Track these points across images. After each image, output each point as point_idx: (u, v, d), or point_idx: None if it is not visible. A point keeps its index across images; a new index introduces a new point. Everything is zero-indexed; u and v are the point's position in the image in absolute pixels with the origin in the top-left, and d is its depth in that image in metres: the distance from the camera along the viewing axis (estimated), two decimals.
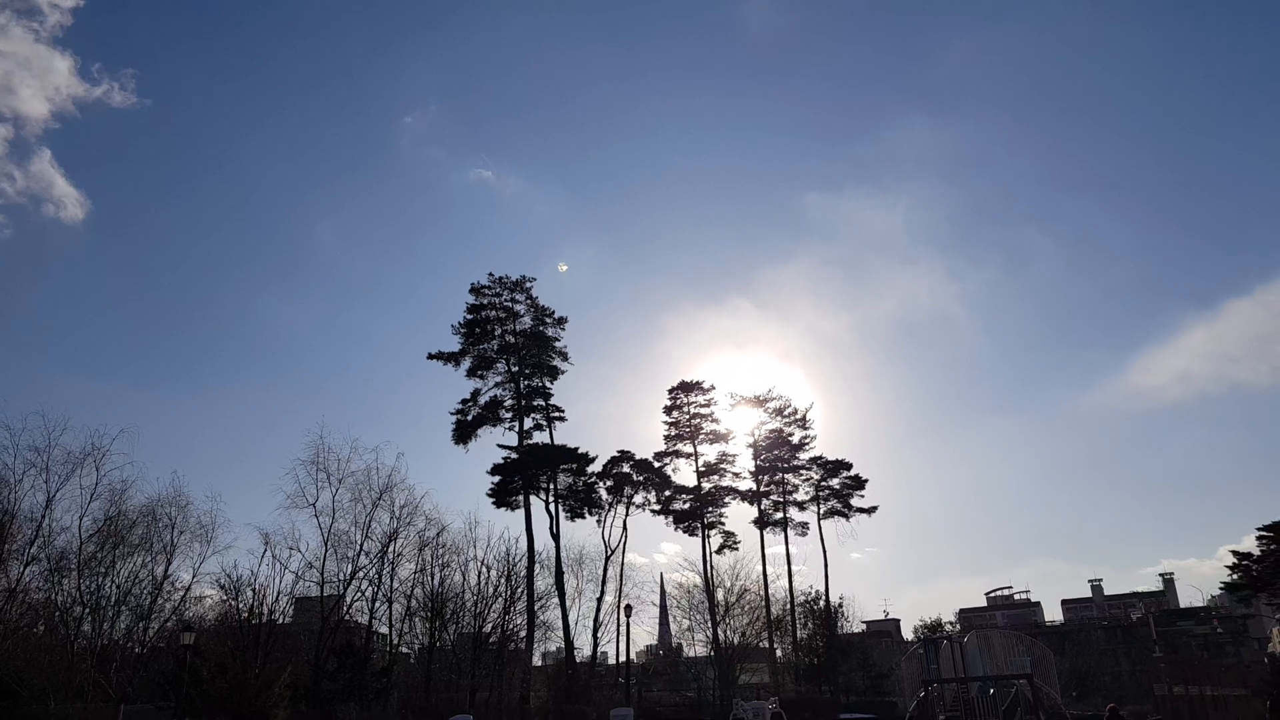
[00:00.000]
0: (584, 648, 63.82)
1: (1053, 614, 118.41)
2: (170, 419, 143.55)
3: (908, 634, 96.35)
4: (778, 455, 72.51)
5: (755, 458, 72.73)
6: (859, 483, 72.73)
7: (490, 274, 67.36)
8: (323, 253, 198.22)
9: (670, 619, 70.96)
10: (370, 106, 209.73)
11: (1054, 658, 67.53)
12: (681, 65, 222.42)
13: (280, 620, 53.02)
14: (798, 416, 73.72)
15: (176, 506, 51.16)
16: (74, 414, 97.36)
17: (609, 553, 64.32)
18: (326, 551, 52.72)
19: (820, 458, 72.92)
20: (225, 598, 51.96)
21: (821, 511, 72.82)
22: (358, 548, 53.64)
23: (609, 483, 65.93)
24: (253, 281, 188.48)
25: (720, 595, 66.00)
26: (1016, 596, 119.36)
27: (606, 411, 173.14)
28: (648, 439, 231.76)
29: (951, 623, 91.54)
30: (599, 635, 63.09)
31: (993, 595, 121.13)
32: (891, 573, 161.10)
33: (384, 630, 58.76)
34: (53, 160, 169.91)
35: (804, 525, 72.69)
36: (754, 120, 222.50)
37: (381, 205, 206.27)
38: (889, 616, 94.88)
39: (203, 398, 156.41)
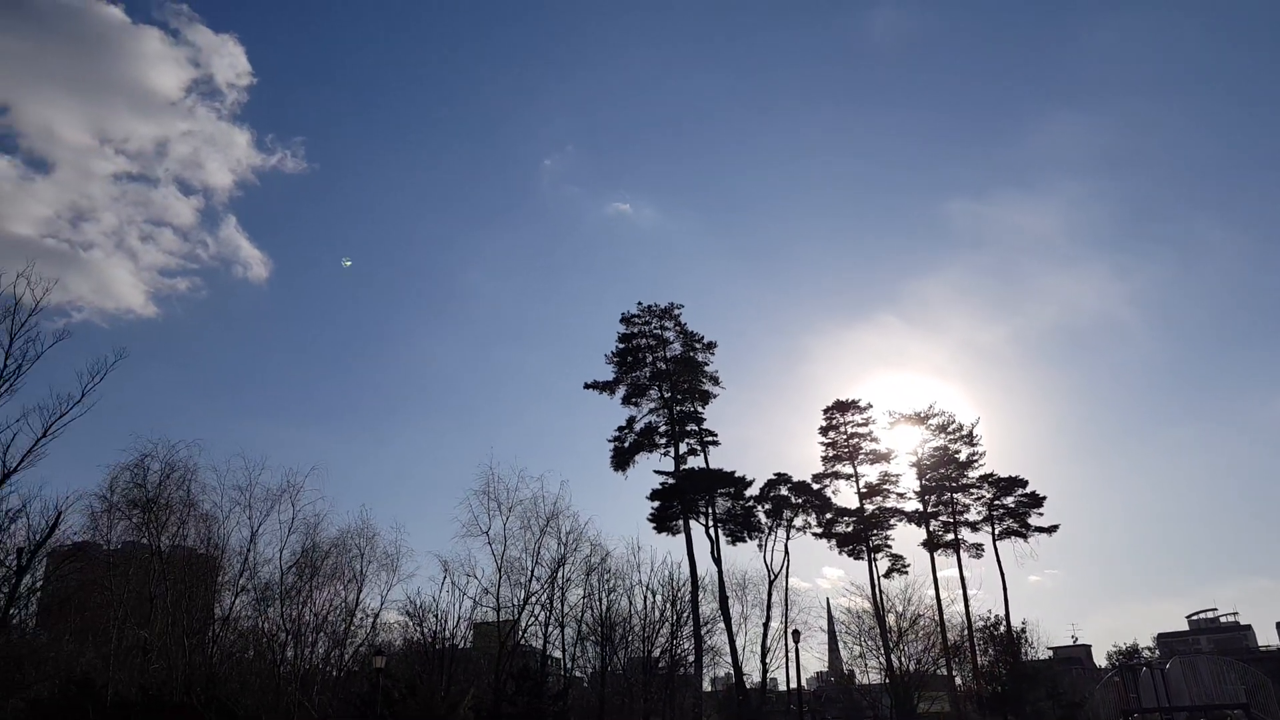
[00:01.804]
0: (753, 673, 63.62)
1: (1267, 638, 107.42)
2: (351, 456, 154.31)
3: (1100, 660, 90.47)
4: (944, 474, 70.00)
5: (920, 477, 70.46)
6: (1036, 500, 69.14)
7: (639, 303, 69.31)
8: (475, 295, 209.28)
9: (840, 645, 69.64)
10: (512, 154, 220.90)
11: (1273, 686, 61.84)
12: (807, 82, 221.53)
13: (461, 645, 55.94)
14: (964, 433, 71.05)
15: (364, 538, 55.02)
16: (269, 455, 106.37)
17: (772, 577, 64.08)
18: (500, 578, 55.33)
19: (991, 475, 69.78)
20: (411, 623, 55.40)
21: (996, 532, 69.58)
22: (529, 574, 55.99)
23: (767, 506, 65.74)
24: (414, 326, 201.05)
25: (892, 620, 64.26)
26: (1223, 619, 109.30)
27: (754, 436, 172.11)
28: (800, 462, 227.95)
29: (1150, 648, 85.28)
30: (767, 661, 62.67)
31: (1195, 618, 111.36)
32: (1076, 595, 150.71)
33: (557, 654, 60.80)
34: (238, 226, 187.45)
35: (978, 546, 69.70)
36: (886, 131, 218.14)
37: (527, 245, 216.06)
38: (1078, 642, 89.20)
39: (378, 435, 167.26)
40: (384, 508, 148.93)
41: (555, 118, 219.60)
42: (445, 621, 54.72)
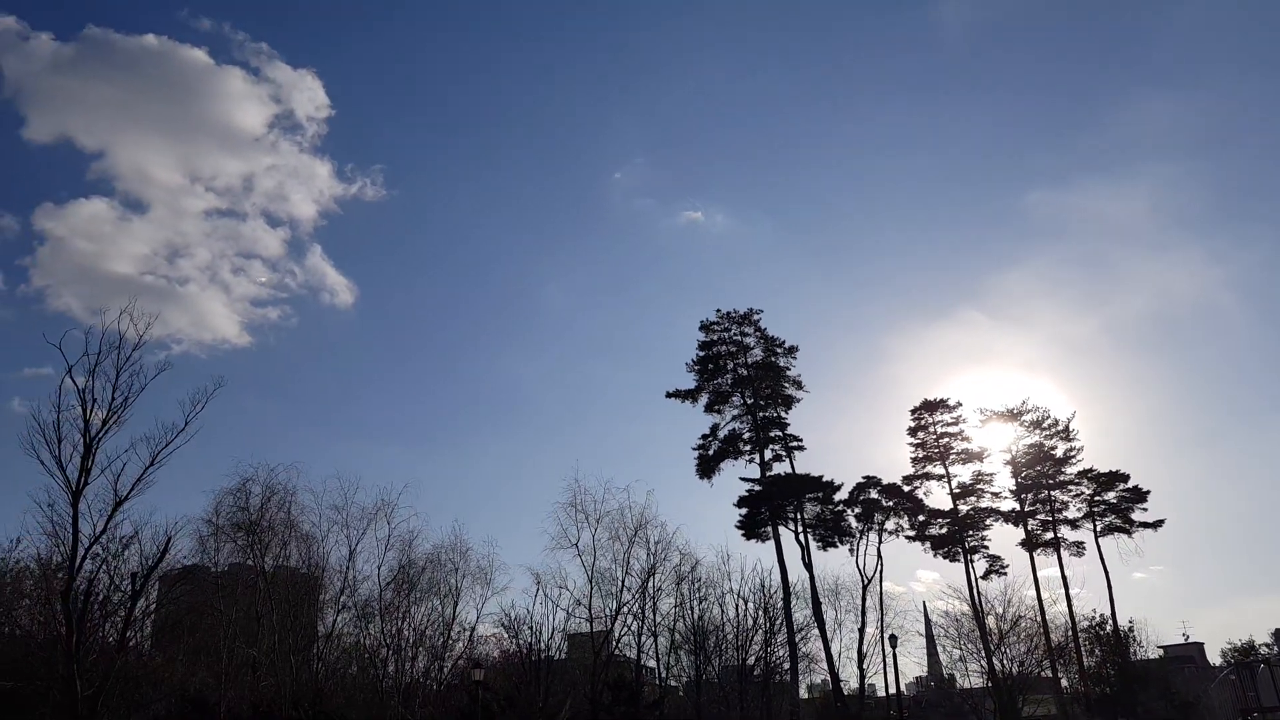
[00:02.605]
0: (850, 680, 62.47)
1: None
2: (440, 473, 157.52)
3: (1213, 659, 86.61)
4: (1041, 471, 67.90)
5: (1015, 475, 68.49)
6: (1139, 495, 66.54)
7: (718, 310, 68.80)
8: (552, 311, 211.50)
9: (939, 648, 68.01)
10: (583, 170, 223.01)
11: None
12: (877, 78, 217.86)
13: (556, 656, 56.25)
14: (1059, 428, 68.81)
15: (458, 552, 55.69)
16: (363, 474, 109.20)
17: (865, 582, 62.88)
18: (592, 589, 55.42)
19: (1091, 470, 67.42)
20: (506, 636, 55.97)
21: (1098, 529, 67.24)
22: (619, 584, 55.99)
23: (857, 510, 64.59)
24: (495, 344, 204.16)
25: (992, 622, 62.48)
26: None
27: (837, 439, 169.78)
28: (886, 464, 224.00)
29: (1267, 645, 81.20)
30: (864, 666, 61.50)
31: None
32: (1186, 592, 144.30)
33: (651, 664, 60.65)
34: (323, 254, 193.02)
35: (1079, 545, 67.51)
36: (961, 123, 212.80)
37: (601, 259, 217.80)
38: (1189, 640, 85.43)
39: (464, 451, 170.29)
40: (474, 523, 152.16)
41: (623, 131, 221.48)
42: (539, 633, 55.12)
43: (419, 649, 54.05)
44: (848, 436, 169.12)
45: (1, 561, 47.59)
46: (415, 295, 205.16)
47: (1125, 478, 67.29)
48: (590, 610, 55.31)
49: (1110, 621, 65.75)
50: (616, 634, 56.27)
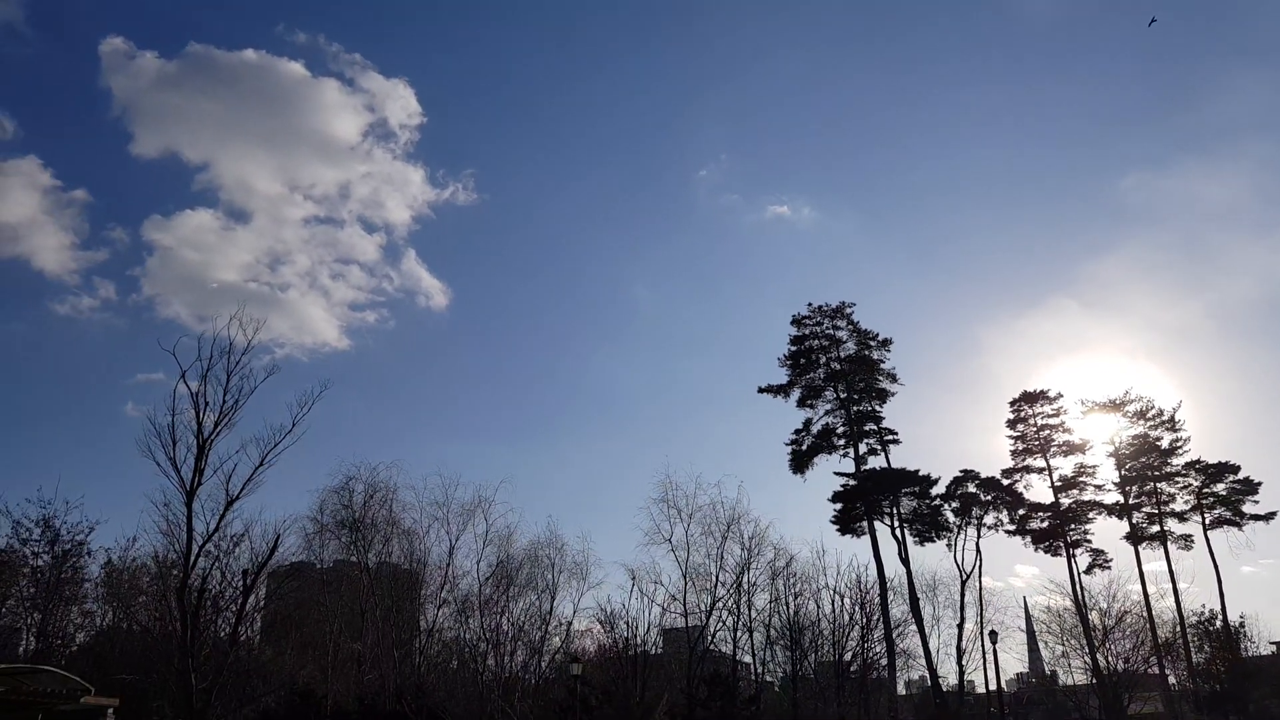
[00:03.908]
0: (948, 676, 61.38)
1: None
2: (536, 470, 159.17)
3: None
4: (1146, 463, 65.63)
5: (1119, 468, 66.31)
6: (1251, 486, 63.88)
7: (809, 303, 67.76)
8: (641, 308, 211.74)
9: (1040, 645, 66.43)
10: (668, 170, 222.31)
11: None
12: (961, 65, 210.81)
13: (652, 651, 56.20)
14: (1164, 418, 66.34)
15: (554, 548, 55.74)
16: (461, 472, 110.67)
17: (964, 577, 61.51)
18: (686, 584, 55.03)
19: (1198, 461, 64.87)
20: (602, 630, 56.08)
21: (1207, 521, 64.78)
22: (714, 579, 55.49)
23: (955, 504, 63.11)
24: (588, 344, 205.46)
25: (1095, 618, 60.74)
26: None
27: (930, 432, 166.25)
28: (981, 457, 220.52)
29: None
30: (964, 663, 60.29)
31: None
32: None
33: (747, 659, 60.35)
34: (417, 258, 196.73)
35: (1186, 538, 65.05)
36: (1049, 110, 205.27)
37: (687, 256, 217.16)
38: None
39: (558, 449, 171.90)
40: (568, 519, 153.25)
41: (707, 128, 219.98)
42: (635, 628, 54.94)
43: (517, 643, 54.37)
44: (942, 429, 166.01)
45: (120, 560, 49.31)
46: (507, 296, 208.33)
47: (1236, 468, 64.69)
48: (685, 605, 55.05)
49: (1220, 617, 63.61)
50: (711, 629, 55.87)
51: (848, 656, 58.82)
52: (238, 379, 37.70)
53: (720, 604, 55.81)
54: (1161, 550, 64.97)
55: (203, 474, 37.09)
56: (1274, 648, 73.43)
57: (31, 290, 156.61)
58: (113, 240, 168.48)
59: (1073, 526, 64.29)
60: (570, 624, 56.43)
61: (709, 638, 56.10)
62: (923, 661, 59.99)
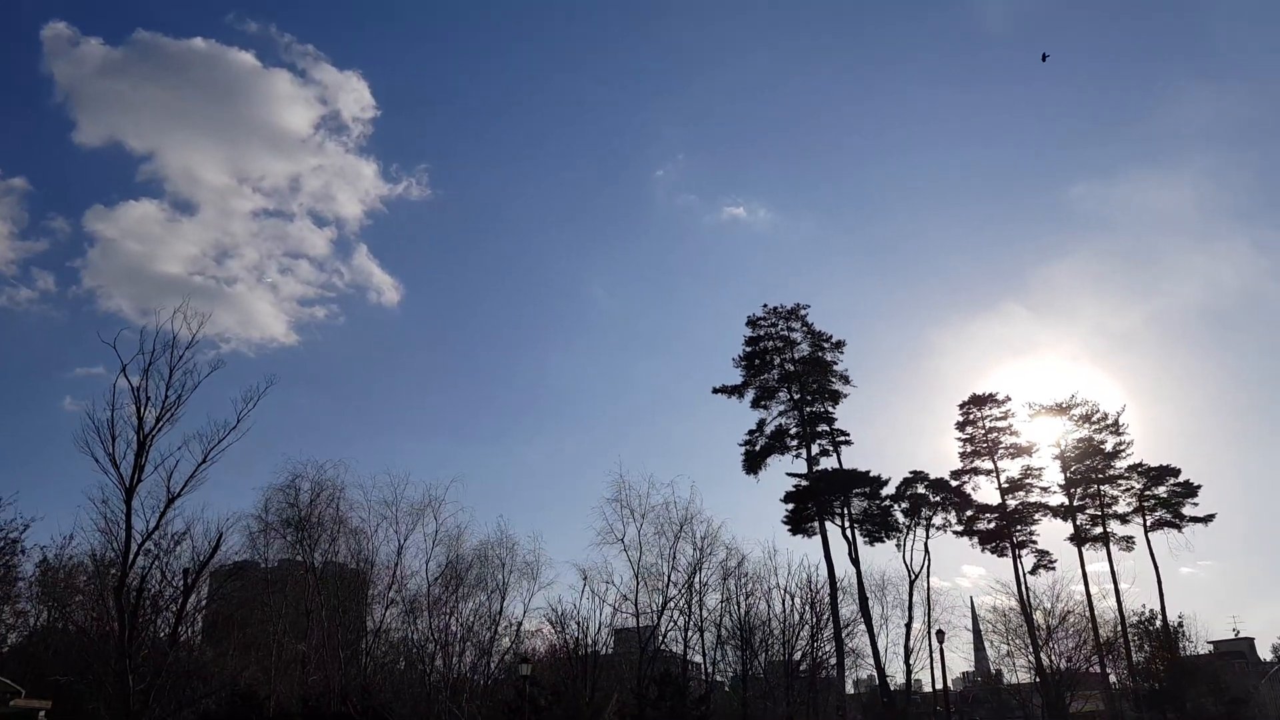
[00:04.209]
0: (896, 675, 62.17)
1: None
2: (486, 468, 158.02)
3: (1264, 654, 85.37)
4: (1090, 466, 66.87)
5: (1064, 470, 67.49)
6: (1190, 489, 65.37)
7: (764, 304, 68.18)
8: (597, 307, 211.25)
9: (985, 644, 67.49)
10: (626, 169, 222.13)
11: None
12: (919, 71, 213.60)
13: (603, 651, 56.05)
14: (1109, 422, 67.69)
15: (505, 548, 55.32)
16: (411, 470, 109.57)
17: (912, 577, 62.28)
18: (638, 584, 55.04)
19: (1141, 465, 66.26)
20: (554, 631, 55.81)
21: (1148, 523, 66.16)
22: (665, 579, 55.56)
23: (904, 505, 63.89)
24: (543, 343, 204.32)
25: (1039, 618, 61.89)
26: None
27: (883, 435, 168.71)
28: (931, 459, 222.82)
29: None
30: (911, 662, 61.03)
31: None
32: (1236, 587, 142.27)
33: (698, 659, 60.42)
34: (369, 253, 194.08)
35: (1128, 539, 66.41)
36: (1004, 117, 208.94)
37: (644, 255, 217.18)
38: (1240, 635, 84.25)
39: (510, 448, 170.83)
40: (520, 519, 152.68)
41: (665, 128, 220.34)
42: (586, 628, 54.83)
43: (466, 644, 53.98)
44: (894, 431, 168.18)
45: (56, 558, 47.99)
46: (461, 294, 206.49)
47: (1176, 472, 66.23)
48: (636, 605, 55.08)
49: (1160, 617, 65.03)
50: (663, 629, 56.00)
51: (797, 656, 59.27)
52: (181, 374, 36.77)
53: (672, 604, 55.98)
54: (1104, 551, 66.30)
55: (143, 471, 36.14)
56: (1211, 647, 75.55)
57: None
58: (53, 230, 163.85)
59: (1019, 528, 65.33)
60: (520, 624, 56.20)
61: (660, 638, 56.21)
62: (871, 661, 60.68)
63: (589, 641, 55.14)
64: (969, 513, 65.52)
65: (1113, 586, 64.71)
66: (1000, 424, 67.56)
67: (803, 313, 66.53)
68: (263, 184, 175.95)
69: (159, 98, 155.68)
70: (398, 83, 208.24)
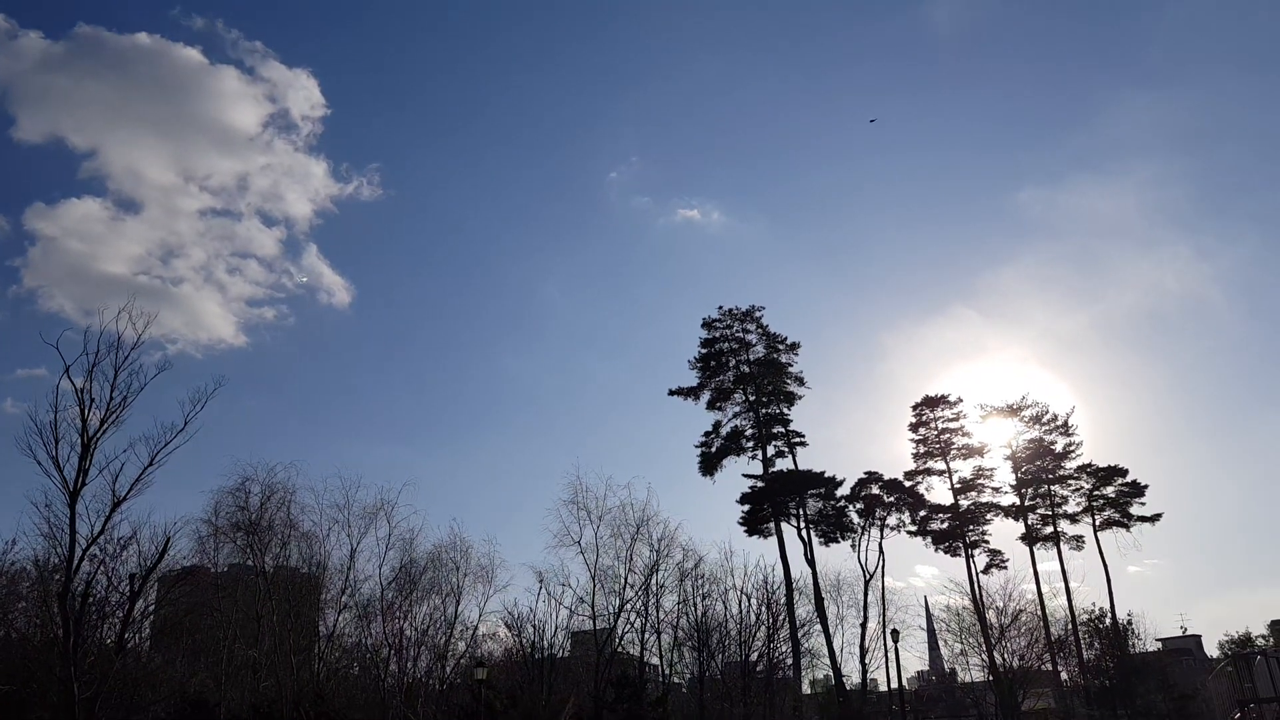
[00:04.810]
0: (852, 675, 62.50)
1: None
2: (440, 471, 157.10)
3: (1211, 651, 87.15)
4: (1041, 466, 68.07)
5: (1015, 470, 68.66)
6: (1137, 489, 66.81)
7: (720, 306, 68.96)
8: (551, 309, 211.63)
9: (940, 643, 68.16)
10: (578, 169, 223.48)
11: None
12: (870, 77, 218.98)
13: (559, 654, 55.97)
14: (1059, 423, 69.00)
15: (459, 551, 55.04)
16: (363, 473, 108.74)
17: (867, 577, 62.81)
18: (595, 586, 55.10)
19: (1090, 465, 67.64)
20: (510, 634, 55.63)
21: (1097, 523, 67.48)
22: (622, 581, 55.71)
23: (859, 505, 64.54)
24: (493, 342, 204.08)
25: (992, 617, 62.62)
26: None
27: (837, 437, 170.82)
28: (885, 460, 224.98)
29: (1264, 637, 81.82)
30: (866, 662, 61.52)
31: None
32: (1183, 585, 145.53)
33: (655, 661, 60.42)
34: (319, 254, 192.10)
35: (1078, 539, 67.80)
36: (952, 123, 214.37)
37: (598, 257, 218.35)
38: (1187, 633, 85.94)
39: (463, 450, 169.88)
40: (474, 521, 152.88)
41: (618, 131, 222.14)
42: (543, 631, 54.85)
43: (421, 648, 53.64)
44: (848, 432, 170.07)
45: None
46: (413, 294, 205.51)
47: (1124, 472, 67.65)
48: (593, 608, 55.05)
49: (1109, 615, 66.24)
50: (620, 631, 56.12)
51: (754, 657, 59.39)
52: (126, 375, 36.03)
53: (629, 606, 56.11)
54: (1055, 550, 67.64)
55: (87, 474, 35.48)
56: (1159, 644, 76.97)
57: None
58: None
59: (971, 527, 66.23)
60: (476, 628, 55.87)
61: (617, 640, 56.25)
62: (827, 661, 61.28)
63: (545, 644, 55.21)
64: (922, 513, 66.36)
65: (1063, 585, 66.07)
66: (953, 425, 68.66)
67: (758, 314, 67.41)
68: (209, 183, 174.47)
69: (101, 94, 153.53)
70: (349, 81, 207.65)
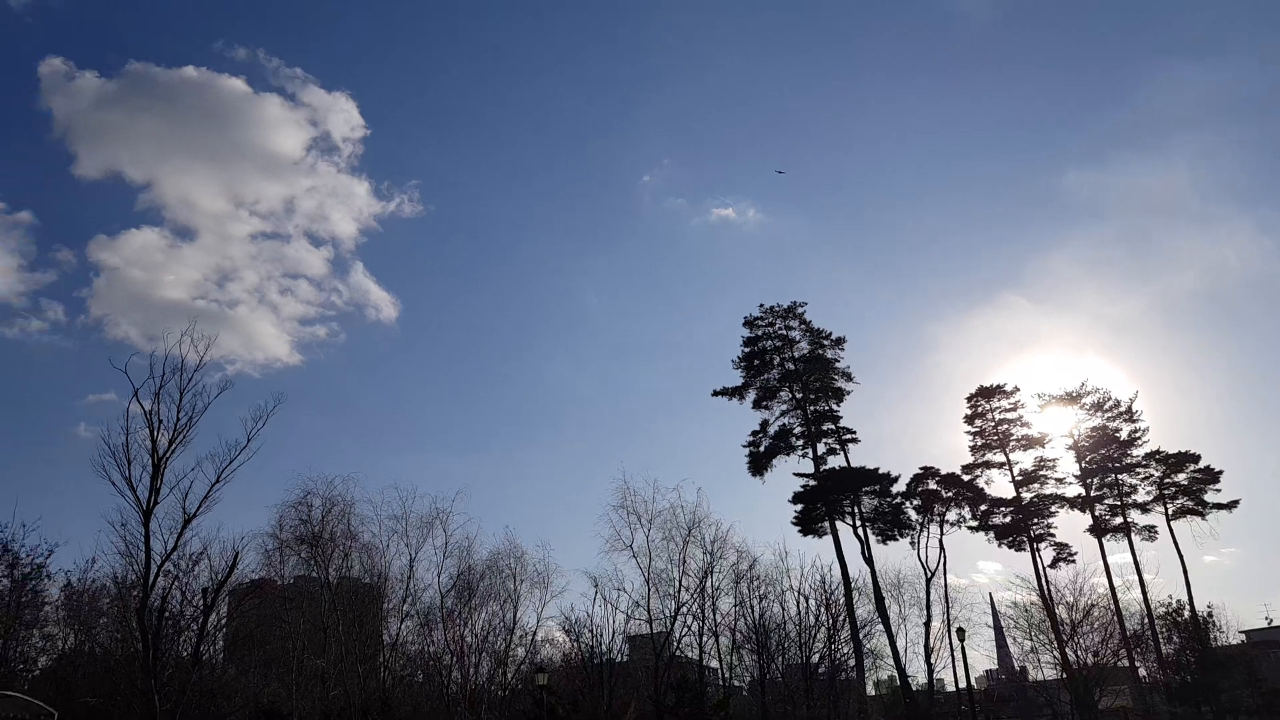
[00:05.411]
0: (917, 675, 61.39)
1: None
2: (492, 480, 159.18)
3: None
4: (1106, 455, 65.85)
5: (1079, 460, 66.54)
6: (1212, 475, 64.16)
7: (761, 304, 68.77)
8: (592, 316, 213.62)
9: (1009, 640, 66.47)
10: (612, 176, 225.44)
11: None
12: (899, 63, 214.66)
13: (618, 658, 56.35)
14: (1122, 409, 66.77)
15: (514, 557, 56.26)
16: (418, 484, 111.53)
17: (928, 574, 61.79)
18: (649, 590, 55.52)
19: (1158, 452, 65.20)
20: (567, 639, 56.31)
21: (1170, 512, 65.07)
22: (677, 584, 55.96)
23: (916, 501, 63.55)
24: (539, 352, 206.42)
25: (1063, 612, 60.90)
26: None
27: (888, 432, 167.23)
28: (939, 454, 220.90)
29: None
30: (932, 662, 60.37)
31: None
32: (1265, 575, 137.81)
33: (714, 664, 60.34)
34: (365, 271, 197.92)
35: (1150, 529, 65.28)
36: (988, 107, 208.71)
37: (635, 261, 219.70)
38: (1273, 624, 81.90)
39: (514, 458, 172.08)
40: (527, 528, 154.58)
41: (649, 134, 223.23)
42: (600, 636, 55.39)
43: (482, 655, 54.66)
44: (899, 427, 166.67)
45: (80, 581, 49.56)
46: (455, 306, 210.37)
47: (1196, 458, 65.10)
48: (649, 611, 55.39)
49: (1187, 607, 63.49)
50: (676, 635, 56.13)
51: (815, 658, 58.78)
52: (190, 397, 38.03)
53: (684, 609, 56.21)
54: (1125, 542, 65.25)
55: (159, 493, 37.30)
56: (1243, 637, 73.52)
57: None
58: (59, 262, 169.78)
59: (1035, 521, 64.57)
60: (534, 634, 56.79)
61: (674, 643, 56.30)
62: (891, 661, 60.17)
63: (603, 649, 55.67)
64: (983, 507, 64.94)
65: (1136, 577, 63.71)
66: (1010, 415, 67.08)
67: (800, 311, 67.08)
68: (258, 207, 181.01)
69: (154, 127, 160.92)
70: (385, 100, 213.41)
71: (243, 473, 39.73)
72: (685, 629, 56.65)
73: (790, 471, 65.39)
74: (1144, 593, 63.28)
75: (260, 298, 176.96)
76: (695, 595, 56.44)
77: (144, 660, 36.53)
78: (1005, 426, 66.85)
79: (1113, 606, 61.94)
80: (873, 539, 62.19)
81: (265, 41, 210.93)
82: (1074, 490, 66.62)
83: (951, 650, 58.40)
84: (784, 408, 65.78)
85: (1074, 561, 63.88)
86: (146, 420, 37.82)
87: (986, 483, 66.23)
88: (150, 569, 37.39)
